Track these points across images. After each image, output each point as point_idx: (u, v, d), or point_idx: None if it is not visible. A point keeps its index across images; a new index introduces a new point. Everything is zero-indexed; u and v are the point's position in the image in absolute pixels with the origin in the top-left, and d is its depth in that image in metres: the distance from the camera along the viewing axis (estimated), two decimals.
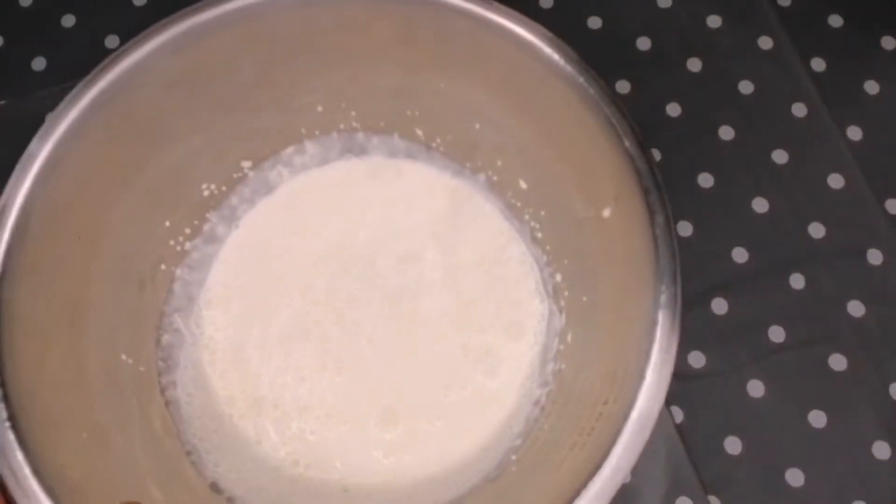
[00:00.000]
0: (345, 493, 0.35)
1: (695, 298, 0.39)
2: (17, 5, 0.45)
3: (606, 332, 0.32)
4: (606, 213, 0.32)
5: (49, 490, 0.26)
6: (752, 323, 0.39)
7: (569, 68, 0.30)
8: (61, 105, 0.30)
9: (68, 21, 0.45)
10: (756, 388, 0.38)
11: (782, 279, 0.40)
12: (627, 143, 0.29)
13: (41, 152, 0.30)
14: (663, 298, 0.27)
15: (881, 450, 0.37)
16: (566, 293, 0.37)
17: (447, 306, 0.38)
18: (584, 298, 0.35)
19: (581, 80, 0.30)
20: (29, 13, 0.45)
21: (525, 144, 0.35)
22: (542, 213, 0.37)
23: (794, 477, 0.36)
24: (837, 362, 0.38)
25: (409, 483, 0.35)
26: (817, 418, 0.37)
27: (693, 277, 0.39)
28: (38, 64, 0.44)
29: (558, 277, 0.37)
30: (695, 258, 0.40)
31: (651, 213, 0.28)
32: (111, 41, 0.44)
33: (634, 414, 0.26)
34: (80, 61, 0.43)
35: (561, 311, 0.37)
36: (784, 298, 0.39)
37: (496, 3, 0.31)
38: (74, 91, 0.30)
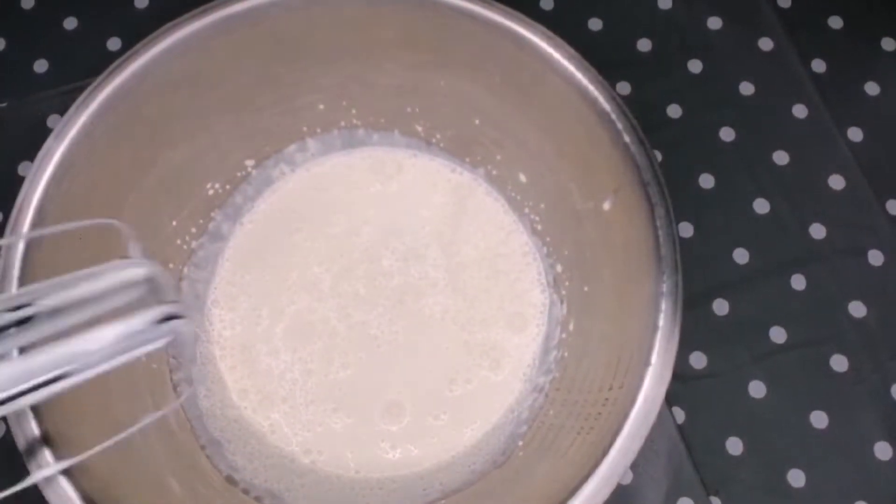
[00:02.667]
0: (355, 482, 0.36)
1: (696, 299, 0.39)
2: (18, 8, 0.45)
3: (608, 321, 0.33)
4: (606, 205, 0.32)
5: (80, 489, 0.26)
6: (754, 323, 0.39)
7: (568, 65, 0.31)
8: (71, 109, 0.30)
9: (70, 24, 0.45)
10: (757, 389, 0.38)
11: (783, 280, 0.40)
12: (627, 138, 0.30)
13: (53, 157, 0.30)
14: (665, 287, 0.28)
15: (883, 450, 0.37)
16: (567, 283, 0.37)
17: (451, 304, 0.38)
18: (585, 288, 0.35)
19: (580, 77, 0.31)
20: (31, 16, 0.45)
21: (524, 139, 0.36)
22: (542, 205, 0.38)
23: (796, 477, 0.36)
24: (839, 363, 0.38)
25: (417, 472, 0.36)
26: (819, 419, 0.37)
27: (694, 278, 0.39)
28: (40, 66, 0.44)
29: (559, 268, 0.38)
30: (696, 259, 0.39)
31: (651, 206, 0.29)
32: (113, 44, 0.44)
33: (641, 398, 0.27)
34: (82, 64, 0.43)
35: (562, 301, 0.37)
36: (785, 299, 0.39)
37: (495, 3, 0.31)
38: (84, 95, 0.31)
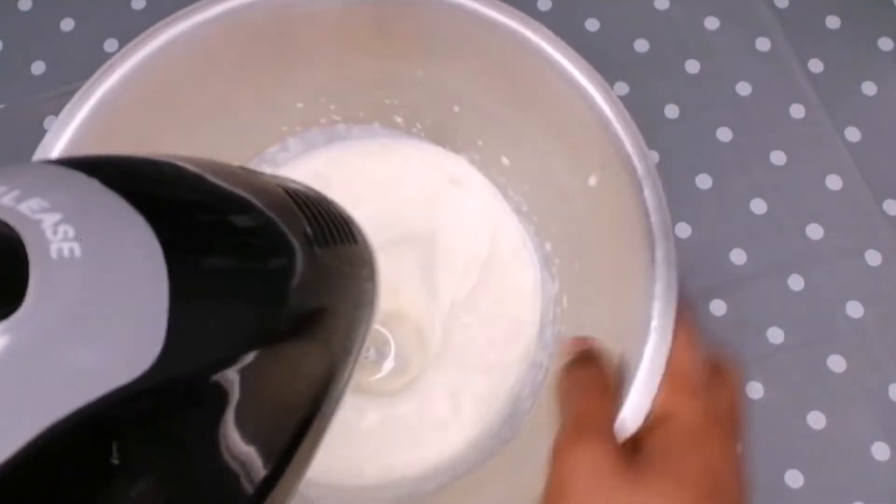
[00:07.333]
0: (360, 479, 0.36)
1: (693, 300, 0.39)
2: (16, 9, 0.45)
3: (603, 294, 0.32)
4: (592, 181, 0.32)
5: None
6: (751, 324, 0.39)
7: (542, 43, 0.30)
8: (55, 123, 0.30)
9: (67, 25, 0.45)
10: (755, 390, 0.38)
11: (781, 280, 0.40)
12: (609, 111, 0.29)
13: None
14: (659, 254, 0.27)
15: (880, 451, 0.37)
16: (557, 260, 0.37)
17: (446, 300, 0.38)
18: (576, 265, 0.35)
19: (556, 54, 0.30)
20: (28, 17, 0.45)
21: (505, 123, 0.35)
22: (526, 186, 0.38)
23: (794, 478, 0.36)
24: (836, 363, 0.38)
25: (425, 466, 0.36)
26: (816, 419, 0.37)
27: (691, 279, 0.39)
28: (38, 68, 0.44)
29: (548, 247, 0.38)
30: (693, 260, 0.40)
31: (638, 178, 0.28)
32: (110, 45, 0.44)
33: (644, 365, 0.26)
34: (80, 65, 0.43)
35: (553, 279, 0.37)
36: (783, 300, 0.39)
37: None
38: (65, 110, 0.30)
